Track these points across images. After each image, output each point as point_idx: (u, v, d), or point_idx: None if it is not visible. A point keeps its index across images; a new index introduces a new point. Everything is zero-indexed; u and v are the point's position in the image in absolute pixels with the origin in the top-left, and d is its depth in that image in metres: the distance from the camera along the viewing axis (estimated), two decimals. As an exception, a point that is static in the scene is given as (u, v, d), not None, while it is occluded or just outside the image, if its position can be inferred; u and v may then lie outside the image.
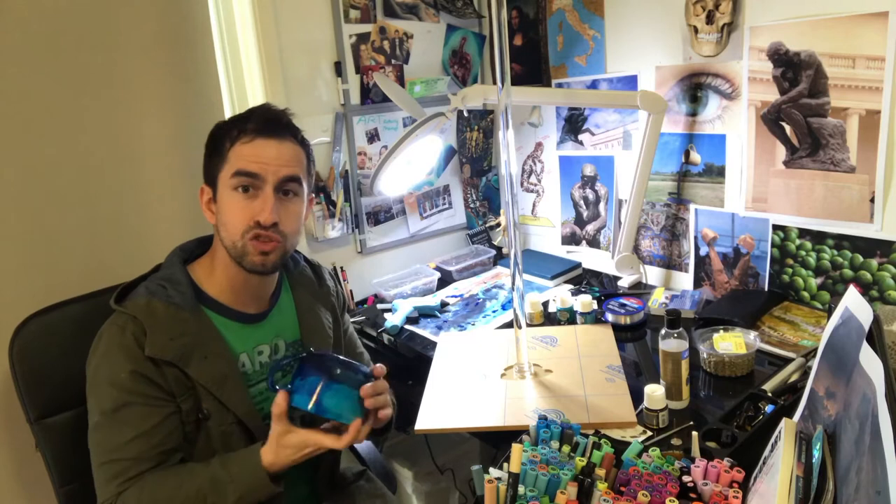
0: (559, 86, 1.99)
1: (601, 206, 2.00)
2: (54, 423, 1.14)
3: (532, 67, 2.05)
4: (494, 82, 1.28)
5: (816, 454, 0.81)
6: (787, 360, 1.32)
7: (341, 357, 1.06)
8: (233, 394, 1.06)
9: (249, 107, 1.11)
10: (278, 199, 1.05)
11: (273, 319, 1.17)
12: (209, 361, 1.04)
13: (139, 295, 1.05)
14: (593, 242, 2.05)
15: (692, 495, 0.91)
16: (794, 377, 1.24)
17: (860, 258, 1.45)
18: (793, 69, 1.45)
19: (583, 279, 1.99)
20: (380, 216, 2.04)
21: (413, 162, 1.75)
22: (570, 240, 2.12)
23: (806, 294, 1.56)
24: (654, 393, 1.16)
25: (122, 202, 1.50)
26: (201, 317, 1.07)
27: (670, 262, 1.85)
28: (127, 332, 1.01)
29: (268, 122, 1.05)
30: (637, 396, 1.24)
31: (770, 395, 1.17)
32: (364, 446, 1.48)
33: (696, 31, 1.59)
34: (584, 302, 1.62)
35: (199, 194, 1.11)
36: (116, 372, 1.00)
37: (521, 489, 0.91)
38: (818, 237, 1.51)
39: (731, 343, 1.32)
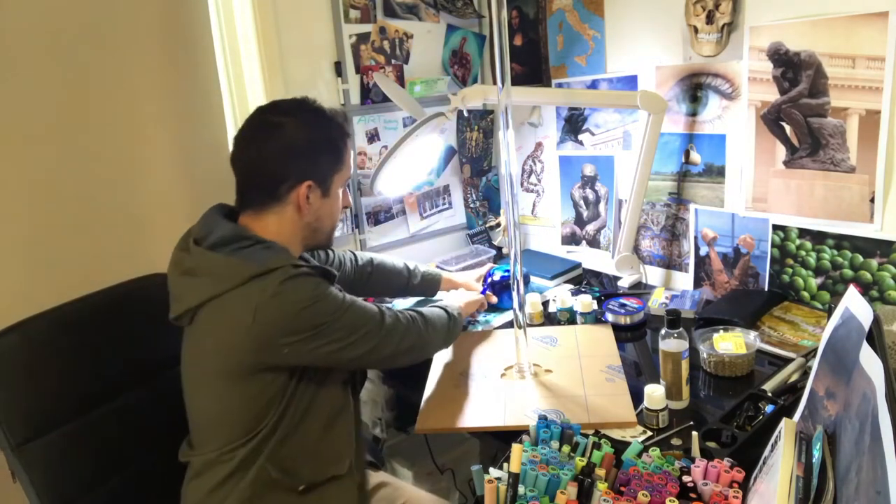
0: (559, 86, 1.99)
1: (601, 206, 2.00)
2: (40, 446, 1.06)
3: (532, 67, 2.05)
4: (494, 82, 1.28)
5: (816, 454, 0.81)
6: (787, 360, 1.32)
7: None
8: None
9: (255, 105, 1.15)
10: None
11: None
12: None
13: (281, 258, 1.06)
14: (593, 242, 2.05)
15: (692, 495, 0.91)
16: (794, 377, 1.25)
17: (860, 258, 1.45)
18: (793, 69, 1.45)
19: (583, 279, 1.99)
20: (380, 216, 2.04)
21: (413, 162, 1.75)
22: (570, 240, 2.12)
23: (806, 294, 1.56)
24: (654, 393, 1.16)
25: (122, 202, 1.50)
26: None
27: (670, 262, 1.85)
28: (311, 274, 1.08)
29: None
30: (637, 396, 1.24)
31: (770, 395, 1.17)
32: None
33: (696, 31, 1.59)
34: (584, 302, 1.62)
35: (305, 190, 1.12)
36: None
37: (521, 489, 0.91)
38: (818, 237, 1.51)
39: (731, 343, 1.32)
